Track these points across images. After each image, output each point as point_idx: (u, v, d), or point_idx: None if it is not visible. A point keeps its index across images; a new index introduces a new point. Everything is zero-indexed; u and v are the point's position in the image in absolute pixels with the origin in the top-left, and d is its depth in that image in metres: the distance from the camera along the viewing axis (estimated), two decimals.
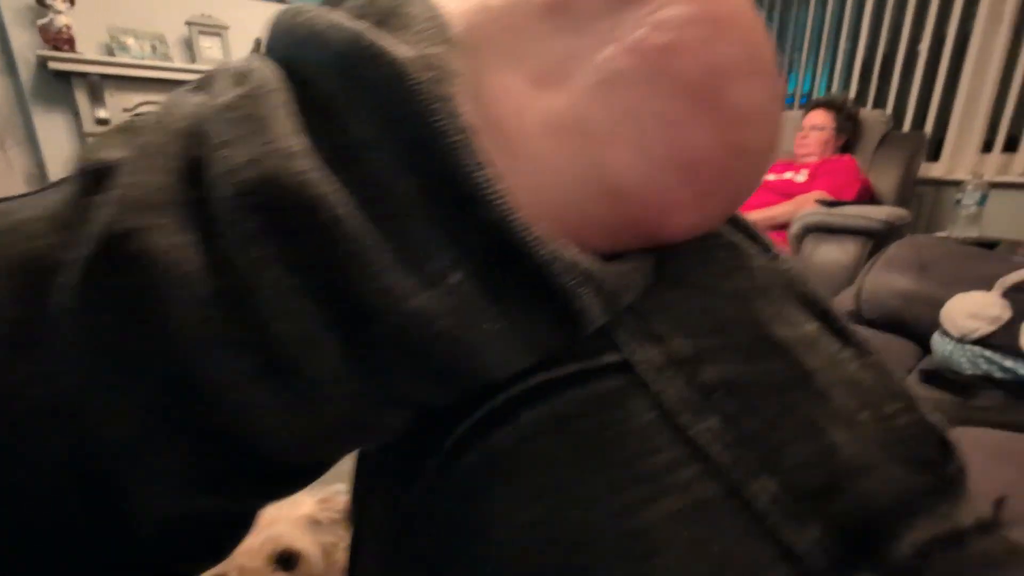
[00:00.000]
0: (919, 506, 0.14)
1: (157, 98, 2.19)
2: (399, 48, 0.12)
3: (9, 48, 1.98)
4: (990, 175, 1.83)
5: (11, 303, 0.12)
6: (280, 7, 0.14)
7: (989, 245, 1.42)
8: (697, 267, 0.16)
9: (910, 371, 0.85)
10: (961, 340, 0.78)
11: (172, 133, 0.13)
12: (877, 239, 1.40)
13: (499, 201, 0.12)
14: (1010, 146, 1.90)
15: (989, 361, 0.75)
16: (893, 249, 1.03)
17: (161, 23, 2.21)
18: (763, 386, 0.14)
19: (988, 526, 0.14)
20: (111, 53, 2.11)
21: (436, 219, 0.12)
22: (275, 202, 0.11)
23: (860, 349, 0.16)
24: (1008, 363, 0.73)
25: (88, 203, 0.12)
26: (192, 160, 0.12)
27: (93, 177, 0.13)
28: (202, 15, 2.25)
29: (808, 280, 0.17)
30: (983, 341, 0.75)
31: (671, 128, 0.13)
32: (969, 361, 0.77)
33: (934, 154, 2.04)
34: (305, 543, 0.49)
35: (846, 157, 1.76)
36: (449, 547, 0.15)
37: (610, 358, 0.15)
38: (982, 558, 0.14)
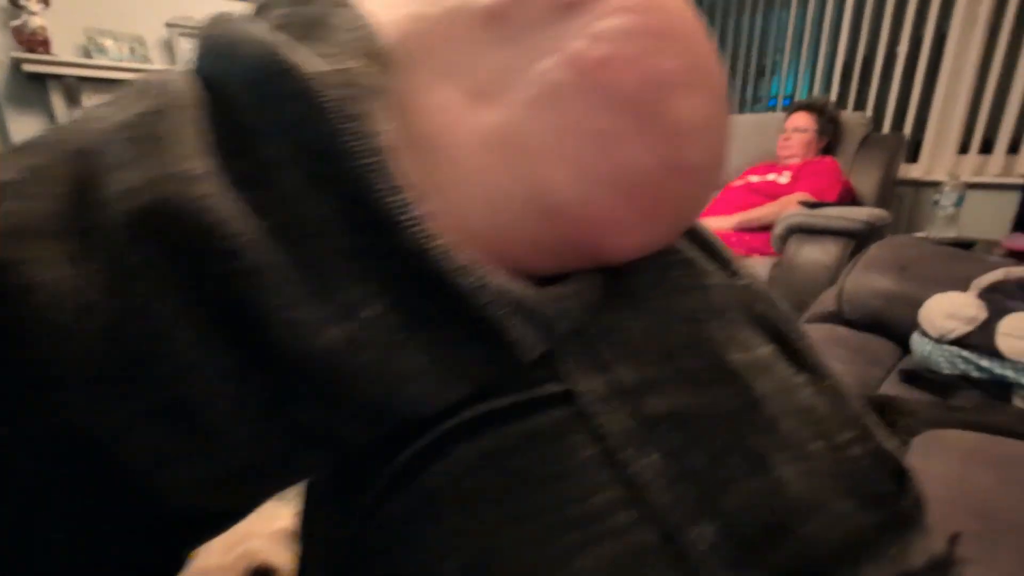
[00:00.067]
0: (867, 549, 0.13)
1: None
2: (313, 62, 0.12)
3: None
4: (966, 176, 1.87)
5: None
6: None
7: (966, 245, 1.45)
8: (650, 286, 0.15)
9: (890, 371, 0.86)
10: (939, 340, 0.79)
11: (63, 154, 0.12)
12: (858, 240, 1.42)
13: (415, 227, 0.11)
14: (985, 148, 1.94)
15: (966, 361, 0.76)
16: (874, 250, 1.04)
17: (140, 25, 2.18)
18: (710, 417, 0.14)
19: (940, 565, 0.13)
20: (88, 55, 2.07)
21: (351, 247, 0.11)
22: (170, 229, 0.11)
23: (816, 373, 0.15)
24: (984, 363, 0.74)
25: None
26: (83, 183, 0.11)
27: None
28: (182, 17, 2.21)
29: (768, 297, 0.16)
30: (960, 341, 0.77)
31: (609, 144, 0.13)
32: (947, 361, 0.78)
33: (913, 155, 2.08)
34: (282, 558, 0.47)
35: (828, 159, 1.78)
36: None
37: (552, 388, 0.14)
38: None
